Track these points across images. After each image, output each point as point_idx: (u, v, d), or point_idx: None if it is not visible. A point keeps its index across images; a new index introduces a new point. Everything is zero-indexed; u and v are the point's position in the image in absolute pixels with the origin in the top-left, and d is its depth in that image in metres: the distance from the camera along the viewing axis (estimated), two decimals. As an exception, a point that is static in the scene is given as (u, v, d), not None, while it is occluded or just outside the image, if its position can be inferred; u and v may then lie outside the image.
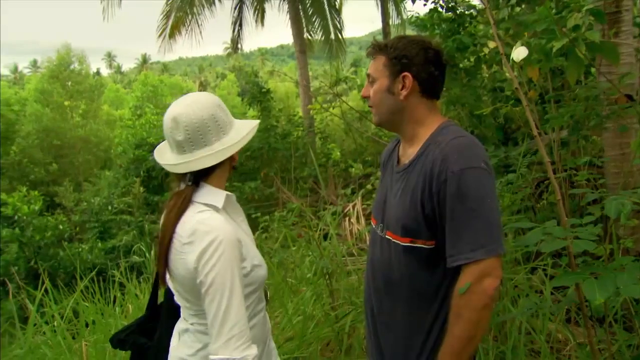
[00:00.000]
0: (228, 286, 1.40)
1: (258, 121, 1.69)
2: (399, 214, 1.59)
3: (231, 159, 1.60)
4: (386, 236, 1.66)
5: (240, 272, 1.44)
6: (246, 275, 1.52)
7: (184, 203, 1.52)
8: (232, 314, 1.39)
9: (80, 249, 13.44)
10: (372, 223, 1.82)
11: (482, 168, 1.47)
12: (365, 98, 1.72)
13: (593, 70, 4.19)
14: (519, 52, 2.25)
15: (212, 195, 1.55)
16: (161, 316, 1.72)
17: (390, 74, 1.63)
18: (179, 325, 1.66)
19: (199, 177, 1.56)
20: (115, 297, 4.50)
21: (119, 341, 1.76)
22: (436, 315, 1.58)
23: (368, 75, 1.70)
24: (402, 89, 1.61)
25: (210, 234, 1.42)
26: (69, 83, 29.01)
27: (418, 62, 1.60)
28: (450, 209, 1.45)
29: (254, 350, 1.41)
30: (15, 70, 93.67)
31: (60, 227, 14.36)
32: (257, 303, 1.63)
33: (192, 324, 1.59)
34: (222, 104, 1.60)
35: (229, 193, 1.59)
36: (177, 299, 1.62)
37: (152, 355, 1.68)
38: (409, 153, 1.67)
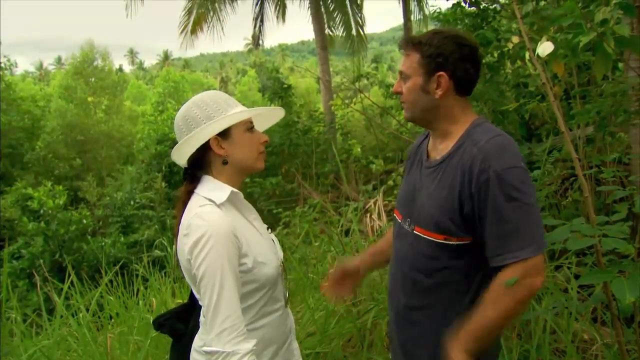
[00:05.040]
0: (218, 280, 1.41)
1: (250, 111, 1.65)
2: (432, 211, 1.57)
3: (216, 151, 1.59)
4: (414, 232, 1.63)
5: (233, 267, 1.45)
6: (247, 272, 1.52)
7: (183, 195, 1.61)
8: (223, 307, 1.40)
9: (103, 243, 13.65)
10: (396, 217, 1.79)
11: (522, 167, 1.46)
12: (397, 94, 1.69)
13: (620, 65, 4.12)
14: (545, 47, 2.22)
15: (215, 190, 1.57)
16: (197, 305, 1.75)
17: (425, 73, 1.59)
18: (201, 316, 1.68)
19: (193, 170, 1.64)
20: (138, 290, 4.55)
21: (159, 324, 1.82)
22: (467, 310, 1.56)
23: (400, 72, 1.66)
24: (437, 89, 1.58)
25: (202, 228, 1.44)
26: (93, 79, 29.43)
27: (454, 60, 1.56)
28: (495, 208, 1.44)
29: (247, 345, 1.41)
30: (40, 67, 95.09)
31: (84, 221, 14.58)
32: (268, 302, 1.62)
33: (204, 315, 1.60)
34: (203, 101, 1.60)
35: (235, 190, 1.60)
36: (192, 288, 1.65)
37: (187, 342, 1.72)
38: (439, 148, 1.65)
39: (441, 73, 1.57)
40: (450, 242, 1.54)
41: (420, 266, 1.63)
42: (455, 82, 1.58)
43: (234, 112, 1.59)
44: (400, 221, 1.75)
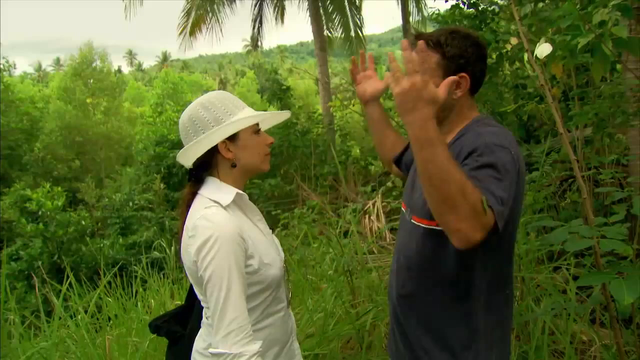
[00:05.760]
0: (225, 282, 1.41)
1: (258, 115, 1.65)
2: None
3: (224, 155, 1.59)
4: (412, 220, 1.64)
5: (239, 268, 1.45)
6: (253, 273, 1.53)
7: (187, 197, 1.61)
8: (230, 309, 1.40)
9: (101, 245, 13.62)
10: (402, 208, 1.80)
11: (511, 153, 1.44)
12: None
13: (619, 66, 4.12)
14: (543, 49, 2.22)
15: (221, 192, 1.57)
16: (195, 307, 1.75)
17: (445, 74, 1.57)
18: (203, 318, 1.68)
19: (198, 172, 1.63)
20: (136, 292, 4.54)
21: (155, 327, 1.82)
22: (465, 296, 1.55)
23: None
24: (456, 89, 1.58)
25: (208, 229, 1.45)
26: (91, 81, 29.36)
27: (473, 61, 1.58)
28: (475, 168, 1.39)
29: (254, 347, 1.41)
30: (39, 68, 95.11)
31: (83, 222, 14.55)
32: (272, 303, 1.63)
33: (207, 317, 1.61)
34: (210, 103, 1.60)
35: (240, 191, 1.60)
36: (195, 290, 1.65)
37: (185, 344, 1.72)
38: None
39: (463, 74, 1.57)
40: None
41: (416, 253, 1.62)
42: (472, 82, 1.60)
43: (243, 117, 1.60)
44: (404, 212, 1.76)
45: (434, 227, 1.54)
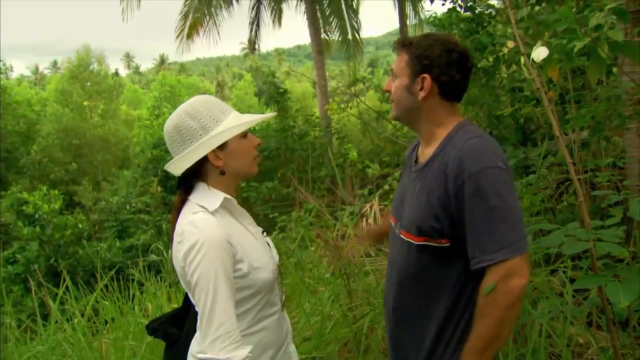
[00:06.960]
0: (212, 286, 1.41)
1: (246, 123, 1.61)
2: (414, 215, 1.59)
3: (214, 163, 1.58)
4: (401, 235, 1.65)
5: (227, 273, 1.45)
6: (242, 277, 1.53)
7: (178, 203, 1.61)
8: (217, 315, 1.40)
9: (98, 248, 13.58)
10: (391, 222, 1.81)
11: (499, 167, 1.45)
12: (387, 92, 1.71)
13: (615, 70, 4.13)
14: (540, 52, 2.23)
15: (208, 197, 1.57)
16: (192, 309, 1.75)
17: (411, 74, 1.61)
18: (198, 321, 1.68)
19: (188, 179, 1.62)
20: (133, 295, 4.53)
21: (152, 329, 1.82)
22: (452, 309, 1.57)
23: (392, 70, 1.68)
24: (420, 90, 1.60)
25: (194, 235, 1.45)
26: (88, 83, 29.37)
27: (439, 64, 1.57)
28: (470, 210, 1.44)
29: (242, 352, 1.41)
30: (36, 71, 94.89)
31: (80, 225, 14.54)
32: (265, 307, 1.63)
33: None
34: (196, 110, 1.57)
35: (228, 196, 1.59)
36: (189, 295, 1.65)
37: (182, 346, 1.71)
38: (425, 153, 1.66)
39: (425, 75, 1.58)
40: (431, 244, 1.54)
41: (407, 269, 1.64)
42: (439, 85, 1.59)
43: (231, 125, 1.58)
44: (393, 225, 1.77)
45: (422, 243, 1.56)
